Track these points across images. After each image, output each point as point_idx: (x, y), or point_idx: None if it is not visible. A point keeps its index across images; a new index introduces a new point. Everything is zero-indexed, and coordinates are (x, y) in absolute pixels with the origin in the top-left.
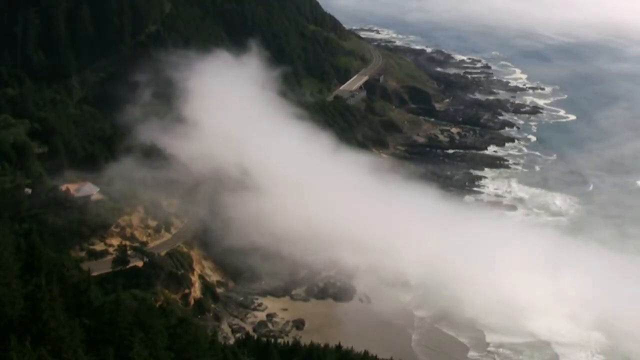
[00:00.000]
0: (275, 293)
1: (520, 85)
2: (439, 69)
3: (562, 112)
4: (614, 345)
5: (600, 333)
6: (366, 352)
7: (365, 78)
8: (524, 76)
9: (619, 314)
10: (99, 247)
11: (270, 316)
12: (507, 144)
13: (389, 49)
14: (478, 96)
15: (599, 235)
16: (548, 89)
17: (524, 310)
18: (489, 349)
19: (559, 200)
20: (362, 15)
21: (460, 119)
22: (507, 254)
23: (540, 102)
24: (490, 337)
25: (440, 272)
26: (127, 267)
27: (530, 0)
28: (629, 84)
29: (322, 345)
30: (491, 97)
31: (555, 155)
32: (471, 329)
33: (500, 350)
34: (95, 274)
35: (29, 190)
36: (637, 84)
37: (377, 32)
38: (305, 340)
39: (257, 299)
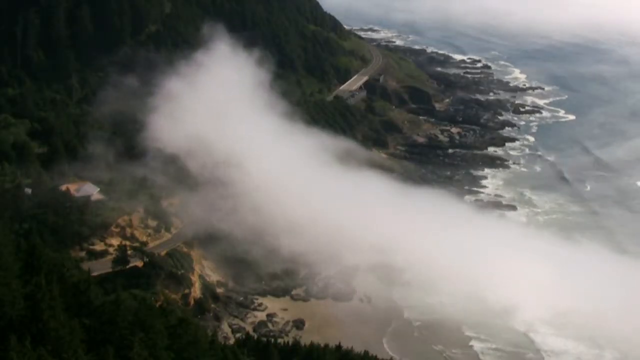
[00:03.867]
0: (275, 293)
1: (520, 85)
2: (439, 69)
3: (561, 112)
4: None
5: (587, 338)
6: (366, 352)
7: (365, 78)
8: (524, 76)
9: (607, 318)
10: (99, 247)
11: (270, 316)
12: (507, 144)
13: (389, 49)
14: (478, 96)
15: (598, 235)
16: (548, 89)
17: (518, 313)
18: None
19: (558, 200)
20: (349, 14)
21: (460, 119)
22: (506, 255)
23: (540, 102)
24: (487, 340)
25: (438, 272)
26: (127, 267)
27: (512, 1)
28: (628, 84)
29: (322, 345)
30: (491, 97)
31: (554, 155)
32: (469, 329)
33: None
34: (95, 274)
35: (29, 190)
36: (637, 84)
37: (377, 32)
38: (305, 340)
39: (257, 299)
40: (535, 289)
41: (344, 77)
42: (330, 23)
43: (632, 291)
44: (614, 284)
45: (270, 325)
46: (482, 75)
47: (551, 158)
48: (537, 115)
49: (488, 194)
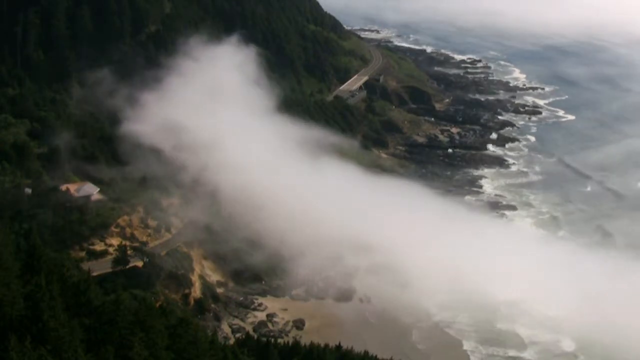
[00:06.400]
0: (275, 293)
1: (520, 85)
2: (439, 69)
3: (561, 112)
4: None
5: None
6: (366, 352)
7: (365, 78)
8: (524, 76)
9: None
10: (99, 247)
11: (270, 316)
12: (507, 144)
13: (389, 49)
14: (478, 96)
15: (597, 235)
16: (548, 89)
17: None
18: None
19: (558, 200)
20: (346, 14)
21: (460, 119)
22: (506, 256)
23: (540, 102)
24: (488, 342)
25: (439, 271)
26: (127, 267)
27: (506, 1)
28: (627, 83)
29: (322, 345)
30: (491, 97)
31: (554, 155)
32: (470, 330)
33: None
34: (95, 274)
35: (29, 190)
36: (636, 84)
37: (377, 32)
38: (305, 340)
39: (257, 299)
40: (533, 289)
41: (344, 77)
42: (330, 23)
43: (623, 289)
44: (610, 283)
45: (270, 325)
46: (482, 75)
47: (551, 158)
48: (537, 115)
49: (488, 194)
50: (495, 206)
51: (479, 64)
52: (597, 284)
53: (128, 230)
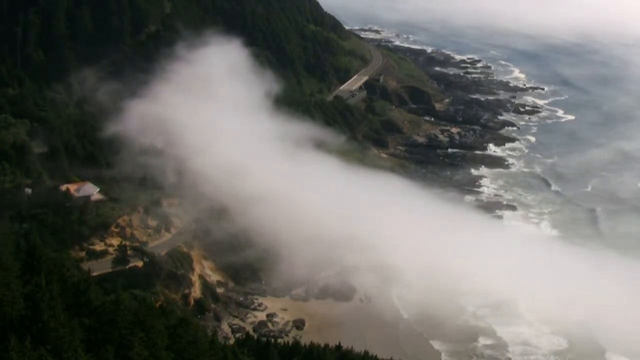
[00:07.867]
0: (275, 293)
1: (520, 85)
2: (439, 69)
3: (561, 112)
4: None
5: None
6: (366, 352)
7: (365, 78)
8: (523, 76)
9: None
10: (99, 247)
11: (270, 316)
12: (507, 144)
13: (389, 49)
14: (478, 96)
15: (596, 235)
16: (547, 89)
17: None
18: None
19: (558, 201)
20: (344, 13)
21: (460, 119)
22: (504, 256)
23: (540, 102)
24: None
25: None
26: (127, 267)
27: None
28: (626, 83)
29: (322, 345)
30: (491, 97)
31: (554, 155)
32: (466, 329)
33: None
34: (95, 274)
35: (29, 190)
36: (634, 84)
37: (377, 32)
38: (305, 340)
39: (257, 299)
40: (529, 288)
41: (344, 77)
42: (330, 23)
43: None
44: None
45: (270, 325)
46: (482, 75)
47: (551, 158)
48: (537, 115)
49: (488, 194)
50: (495, 206)
51: (479, 64)
52: (590, 282)
53: (128, 230)
